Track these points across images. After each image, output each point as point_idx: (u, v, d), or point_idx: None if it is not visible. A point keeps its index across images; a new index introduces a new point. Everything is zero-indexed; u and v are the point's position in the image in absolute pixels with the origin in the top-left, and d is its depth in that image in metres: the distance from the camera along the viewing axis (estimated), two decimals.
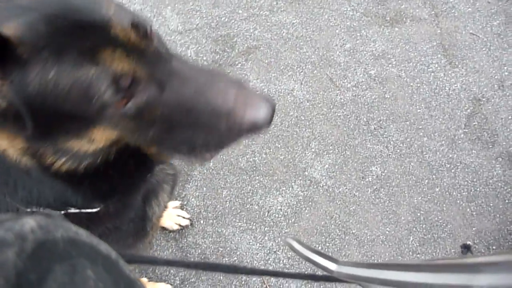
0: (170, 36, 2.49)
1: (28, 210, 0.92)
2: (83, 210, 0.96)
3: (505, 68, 2.47)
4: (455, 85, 2.43)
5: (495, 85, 2.43)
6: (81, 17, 0.73)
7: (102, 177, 0.93)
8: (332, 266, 0.79)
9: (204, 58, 2.44)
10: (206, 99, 0.81)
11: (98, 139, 0.81)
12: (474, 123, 2.35)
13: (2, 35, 0.66)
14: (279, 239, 2.08)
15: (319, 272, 0.85)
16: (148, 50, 0.79)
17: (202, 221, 2.10)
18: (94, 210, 0.98)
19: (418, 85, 2.42)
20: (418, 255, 2.08)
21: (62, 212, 0.94)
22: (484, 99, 2.40)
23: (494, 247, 2.11)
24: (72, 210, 0.95)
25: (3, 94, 0.71)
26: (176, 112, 0.82)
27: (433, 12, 2.61)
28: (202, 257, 2.03)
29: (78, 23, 0.73)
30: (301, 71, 2.43)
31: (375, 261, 2.05)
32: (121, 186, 1.00)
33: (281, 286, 2.00)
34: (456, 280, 0.50)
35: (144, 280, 1.94)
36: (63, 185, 0.91)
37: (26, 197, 0.91)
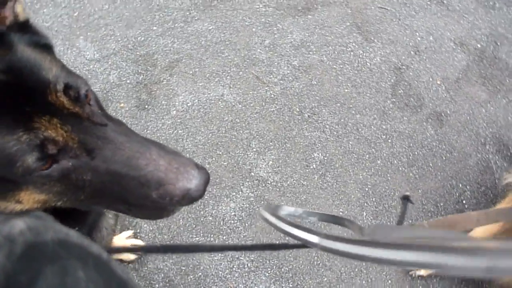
0: (88, 66, 2.43)
1: None
2: None
3: (417, 34, 2.59)
4: (375, 59, 2.52)
5: (411, 52, 2.55)
6: (20, 82, 0.73)
7: None
8: (314, 239, 0.77)
9: (128, 81, 2.40)
10: (136, 169, 0.80)
11: (25, 200, 0.79)
12: (400, 91, 2.45)
13: None
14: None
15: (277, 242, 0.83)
16: (82, 115, 0.79)
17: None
18: None
19: (341, 66, 2.50)
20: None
21: None
22: (404, 67, 2.51)
23: (441, 204, 2.21)
24: None
25: None
26: (106, 179, 0.80)
27: None
28: (167, 281, 2.00)
29: (16, 88, 0.73)
30: (227, 75, 2.44)
31: None
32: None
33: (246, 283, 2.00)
34: (452, 261, 0.51)
35: None
36: None
37: None
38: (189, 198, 0.81)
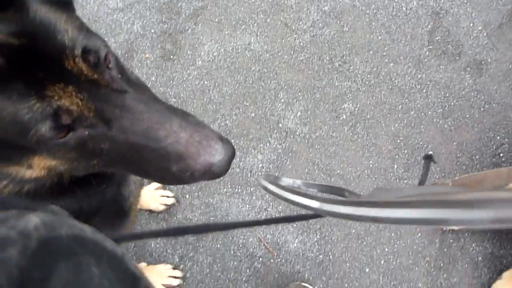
0: (112, 15, 2.37)
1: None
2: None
3: None
4: (411, 3, 2.37)
5: None
6: (34, 46, 0.69)
7: (55, 197, 0.90)
8: (315, 204, 0.75)
9: (152, 31, 2.34)
10: (155, 140, 0.76)
11: (36, 166, 0.78)
12: (437, 38, 2.31)
13: None
14: (267, 195, 2.07)
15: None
16: (100, 83, 0.75)
17: (187, 196, 2.08)
18: None
19: (375, 11, 2.36)
20: (405, 181, 2.09)
21: None
22: (442, 12, 2.35)
23: (477, 157, 2.13)
24: None
25: None
26: (124, 149, 0.77)
27: None
28: None
29: (31, 52, 0.69)
30: (254, 23, 2.35)
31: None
32: (84, 198, 0.98)
33: (278, 241, 2.01)
34: (454, 214, 0.48)
35: (143, 265, 1.94)
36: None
37: None
38: (211, 174, 0.77)
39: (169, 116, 0.78)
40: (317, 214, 0.75)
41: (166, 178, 0.81)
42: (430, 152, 2.02)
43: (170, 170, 0.77)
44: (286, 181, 0.88)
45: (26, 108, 0.68)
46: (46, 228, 0.48)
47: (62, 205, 0.96)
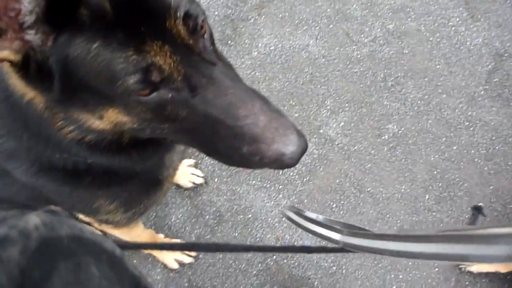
0: None
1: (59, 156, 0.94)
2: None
3: None
4: (477, 40, 2.34)
5: None
6: (144, 0, 0.72)
7: (111, 153, 0.93)
8: (336, 236, 0.75)
9: (216, 13, 2.36)
10: (234, 118, 0.76)
11: (108, 118, 0.80)
12: (495, 80, 2.28)
13: None
14: (293, 197, 2.08)
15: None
16: (194, 49, 0.76)
17: (216, 180, 2.09)
18: None
19: (438, 40, 2.34)
20: (434, 213, 2.07)
21: None
22: (506, 55, 2.32)
23: (511, 206, 2.09)
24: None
25: (44, 48, 0.71)
26: (200, 120, 0.78)
27: None
28: (217, 215, 2.04)
29: (138, 5, 0.71)
30: (316, 26, 2.35)
31: (390, 219, 2.04)
32: (135, 160, 1.01)
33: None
34: (470, 250, 0.47)
35: (161, 236, 1.96)
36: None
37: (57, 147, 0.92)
38: (280, 163, 0.78)
39: (252, 97, 0.78)
40: (338, 248, 0.75)
41: (233, 158, 0.82)
42: (481, 204, 1.99)
43: (240, 151, 0.78)
44: (309, 214, 0.88)
45: (122, 58, 0.70)
46: (46, 228, 0.48)
47: (117, 163, 0.99)
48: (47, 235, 0.48)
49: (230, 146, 0.79)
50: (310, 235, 0.83)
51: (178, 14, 0.74)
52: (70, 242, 0.49)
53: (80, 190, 1.06)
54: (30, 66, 0.74)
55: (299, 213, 0.83)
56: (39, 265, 0.44)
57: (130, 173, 1.11)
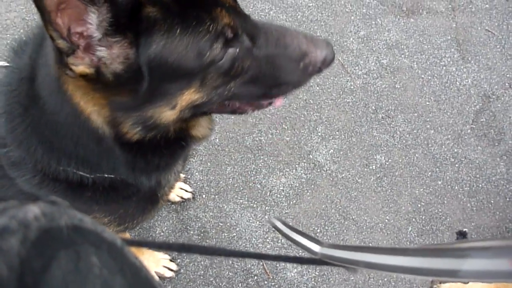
0: None
1: (92, 176, 0.99)
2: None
3: None
4: (466, 80, 2.42)
5: (506, 84, 2.42)
6: None
7: (153, 152, 1.01)
8: (315, 247, 0.79)
9: None
10: (285, 46, 0.95)
11: (180, 104, 0.89)
12: (482, 120, 2.35)
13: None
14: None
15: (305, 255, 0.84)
16: (237, 9, 0.91)
17: (204, 196, 2.11)
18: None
19: (429, 77, 2.42)
20: (416, 246, 2.10)
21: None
22: (494, 97, 2.40)
23: None
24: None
25: (125, 58, 0.79)
26: (262, 63, 0.95)
27: (450, 5, 2.59)
28: (202, 231, 2.05)
29: None
30: None
31: None
32: (164, 162, 1.09)
33: (277, 265, 2.02)
34: (444, 264, 0.49)
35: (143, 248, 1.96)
36: (124, 156, 0.98)
37: (94, 165, 0.99)
38: (327, 61, 0.98)
39: (286, 29, 0.99)
40: (317, 260, 0.79)
41: (295, 78, 0.99)
42: (466, 229, 2.02)
43: (298, 68, 0.97)
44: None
45: (204, 31, 0.82)
46: (46, 218, 0.49)
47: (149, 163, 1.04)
48: (47, 225, 0.48)
49: (290, 69, 0.98)
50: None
51: None
52: (70, 232, 0.50)
53: (78, 203, 1.09)
54: (100, 79, 0.80)
55: (285, 223, 0.87)
56: (39, 255, 0.44)
57: (131, 191, 1.14)
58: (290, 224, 0.91)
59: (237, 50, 0.89)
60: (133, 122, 0.90)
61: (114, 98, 0.86)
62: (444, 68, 2.45)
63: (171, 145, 1.04)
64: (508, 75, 2.44)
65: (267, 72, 0.96)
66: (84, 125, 0.90)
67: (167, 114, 0.90)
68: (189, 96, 0.89)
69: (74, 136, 0.93)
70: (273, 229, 0.78)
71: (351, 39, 2.48)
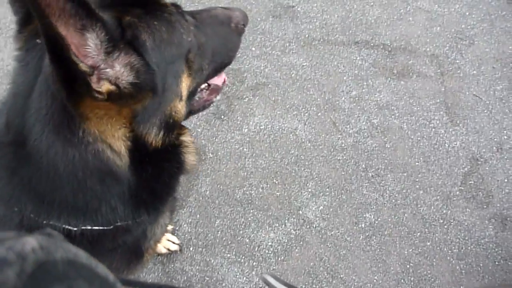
0: None
1: (79, 229, 0.99)
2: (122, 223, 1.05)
3: (505, 132, 2.52)
4: (455, 143, 2.47)
5: (494, 147, 2.48)
6: None
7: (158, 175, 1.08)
8: None
9: None
10: (219, 18, 1.22)
11: (183, 90, 1.00)
12: (470, 182, 2.38)
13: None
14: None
15: None
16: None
17: (191, 248, 2.09)
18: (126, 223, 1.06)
19: (419, 138, 2.47)
20: None
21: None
22: (482, 160, 2.44)
23: None
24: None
25: (131, 67, 0.86)
26: (209, 34, 1.15)
27: (439, 70, 2.69)
28: (187, 285, 2.01)
29: None
30: (306, 112, 2.48)
31: None
32: (162, 195, 1.13)
33: None
34: None
35: None
36: (134, 183, 1.00)
37: (89, 214, 0.99)
38: (246, 18, 1.27)
39: (215, 7, 1.25)
40: None
41: (233, 37, 1.26)
42: None
43: (231, 29, 1.24)
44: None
45: (182, 26, 1.00)
46: (43, 251, 0.49)
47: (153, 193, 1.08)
48: (43, 258, 0.49)
49: (227, 32, 1.23)
50: None
51: None
52: (64, 266, 0.50)
53: None
54: (122, 93, 0.85)
55: (277, 278, 0.87)
56: None
57: (116, 244, 1.14)
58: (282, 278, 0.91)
59: (194, 29, 1.06)
60: (158, 126, 0.96)
61: (136, 107, 0.90)
62: (433, 130, 2.51)
63: (170, 168, 1.10)
64: (495, 139, 2.50)
65: (216, 42, 1.16)
66: (93, 163, 0.91)
67: (179, 106, 0.99)
68: (185, 83, 1.01)
69: (75, 182, 0.92)
70: (264, 285, 0.77)
71: (343, 98, 2.55)
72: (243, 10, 1.27)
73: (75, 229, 0.98)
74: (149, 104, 0.92)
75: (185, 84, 1.00)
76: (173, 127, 1.01)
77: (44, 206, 0.95)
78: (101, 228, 1.01)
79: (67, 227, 0.97)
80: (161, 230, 1.29)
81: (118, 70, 0.82)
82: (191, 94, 1.08)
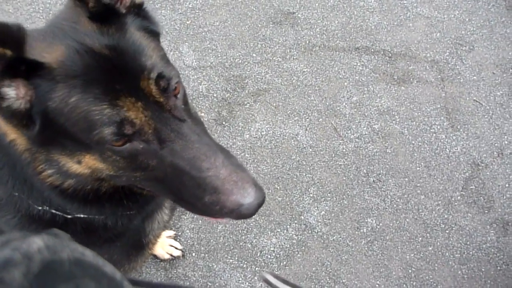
0: (184, 70, 2.57)
1: (41, 208, 0.99)
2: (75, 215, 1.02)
3: (505, 137, 2.53)
4: (456, 148, 2.48)
5: (495, 152, 2.48)
6: (120, 62, 0.84)
7: (91, 204, 1.01)
8: None
9: (215, 95, 2.51)
10: (198, 169, 0.85)
11: (85, 164, 0.89)
12: (472, 187, 2.39)
13: (37, 61, 0.79)
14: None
15: None
16: (165, 106, 0.87)
17: (194, 254, 2.10)
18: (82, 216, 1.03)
19: (420, 143, 2.48)
20: None
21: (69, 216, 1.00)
22: (482, 165, 2.45)
23: None
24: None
25: (28, 99, 0.81)
26: (168, 170, 0.87)
27: (439, 76, 2.71)
28: None
29: (116, 66, 0.83)
30: (307, 118, 2.50)
31: None
32: (115, 211, 1.07)
33: None
34: None
35: None
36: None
37: (38, 196, 0.98)
38: (238, 214, 0.86)
39: (215, 151, 0.88)
40: None
41: (196, 206, 0.90)
42: None
43: (203, 200, 0.87)
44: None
45: (97, 110, 0.80)
46: (49, 251, 0.50)
47: (89, 213, 1.04)
48: (49, 258, 0.49)
49: (194, 195, 0.87)
50: None
51: (151, 75, 0.85)
52: (71, 265, 0.50)
53: None
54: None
55: (277, 276, 0.88)
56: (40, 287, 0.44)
57: (111, 234, 1.14)
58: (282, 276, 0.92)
59: (141, 146, 0.85)
60: (44, 161, 0.90)
61: (21, 129, 0.86)
62: (434, 135, 2.52)
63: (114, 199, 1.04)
64: (496, 144, 2.51)
65: (174, 183, 0.89)
66: (13, 150, 0.93)
67: (74, 166, 0.90)
68: (92, 162, 0.88)
69: (16, 162, 0.96)
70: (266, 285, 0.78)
71: (344, 104, 2.56)
72: (257, 198, 0.85)
73: (60, 214, 1.03)
74: (30, 136, 0.88)
75: (91, 162, 0.89)
76: (69, 176, 0.94)
77: (26, 189, 1.00)
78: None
79: (52, 211, 1.02)
80: (158, 225, 1.30)
81: (19, 92, 0.81)
82: (110, 176, 0.93)
